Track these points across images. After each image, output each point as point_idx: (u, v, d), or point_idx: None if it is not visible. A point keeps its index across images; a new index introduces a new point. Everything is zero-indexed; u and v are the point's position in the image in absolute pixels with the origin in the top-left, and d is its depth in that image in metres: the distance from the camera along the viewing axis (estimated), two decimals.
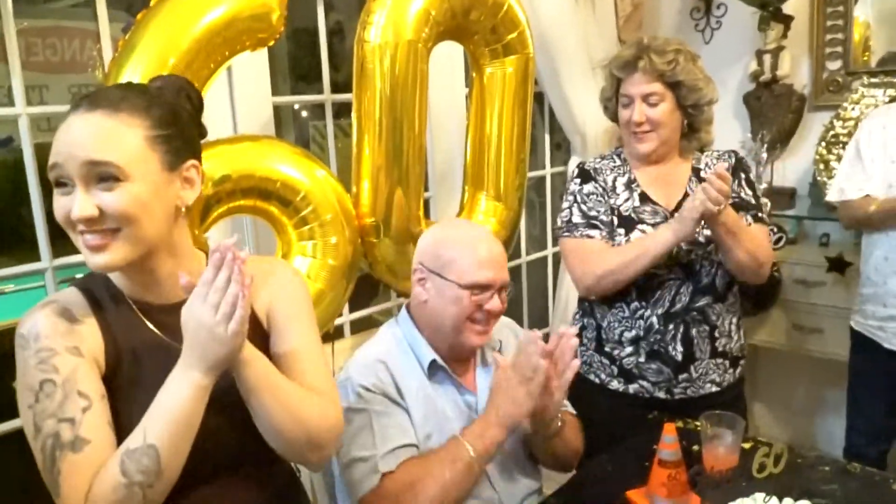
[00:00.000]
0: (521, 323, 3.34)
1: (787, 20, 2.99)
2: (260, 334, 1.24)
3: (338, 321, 2.47)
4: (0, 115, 2.03)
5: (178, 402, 1.04)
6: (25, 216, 1.89)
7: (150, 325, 1.16)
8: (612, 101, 2.02)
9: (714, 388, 1.98)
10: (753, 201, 1.99)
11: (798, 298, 2.86)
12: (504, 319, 1.73)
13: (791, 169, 3.16)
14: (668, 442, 1.48)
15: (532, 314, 3.38)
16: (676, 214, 1.86)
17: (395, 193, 2.02)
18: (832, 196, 2.39)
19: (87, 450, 1.03)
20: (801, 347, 2.90)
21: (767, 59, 3.04)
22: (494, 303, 1.59)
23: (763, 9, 2.95)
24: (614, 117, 2.04)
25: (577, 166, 2.08)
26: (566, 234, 2.01)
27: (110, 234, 1.06)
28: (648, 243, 1.86)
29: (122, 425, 1.08)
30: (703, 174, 1.98)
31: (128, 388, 1.10)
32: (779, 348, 2.98)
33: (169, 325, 1.15)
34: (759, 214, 1.98)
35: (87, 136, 1.04)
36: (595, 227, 1.96)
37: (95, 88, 1.16)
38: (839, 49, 3.01)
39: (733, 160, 2.03)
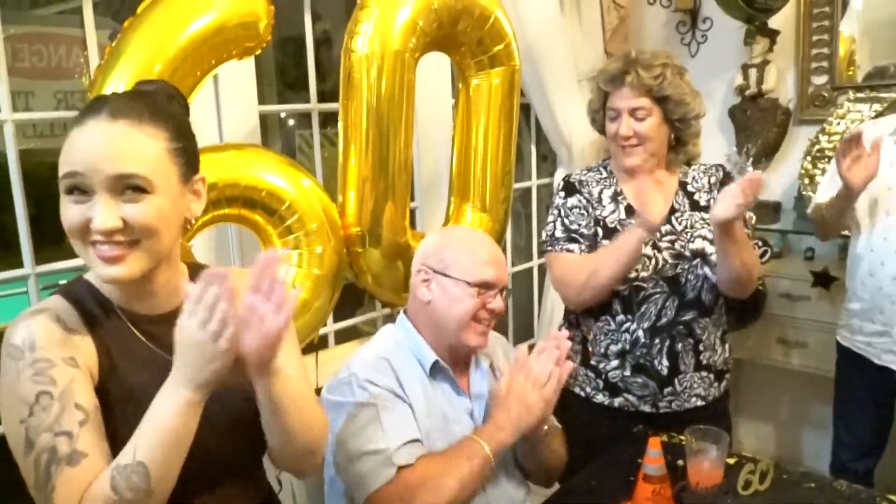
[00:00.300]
0: (506, 334, 3.34)
1: (772, 34, 3.00)
2: None
3: (322, 330, 2.46)
4: None
5: (168, 419, 1.01)
6: (8, 222, 1.87)
7: (141, 337, 1.14)
8: (600, 114, 2.02)
9: (699, 402, 1.98)
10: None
11: (783, 312, 2.87)
12: (492, 333, 1.74)
13: (776, 183, 3.17)
14: (653, 456, 1.48)
15: (517, 326, 3.38)
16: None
17: (381, 203, 2.02)
18: (810, 210, 2.41)
19: (84, 463, 1.00)
20: (785, 361, 2.91)
21: (753, 72, 3.06)
22: (497, 302, 1.63)
23: (749, 23, 2.96)
24: (602, 130, 2.04)
25: (563, 179, 2.08)
26: (549, 248, 2.02)
27: (127, 245, 1.05)
28: (617, 240, 1.87)
29: (114, 438, 1.05)
30: (689, 188, 1.99)
31: (120, 401, 1.08)
32: (763, 362, 2.99)
33: (158, 336, 1.14)
34: (745, 229, 1.99)
35: (114, 147, 1.03)
36: (575, 240, 1.97)
37: (105, 95, 1.14)
38: (825, 64, 3.03)
39: (721, 174, 2.03)
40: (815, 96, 3.07)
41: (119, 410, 1.07)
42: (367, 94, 1.94)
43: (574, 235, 1.97)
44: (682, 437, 1.65)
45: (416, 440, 1.52)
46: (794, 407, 3.29)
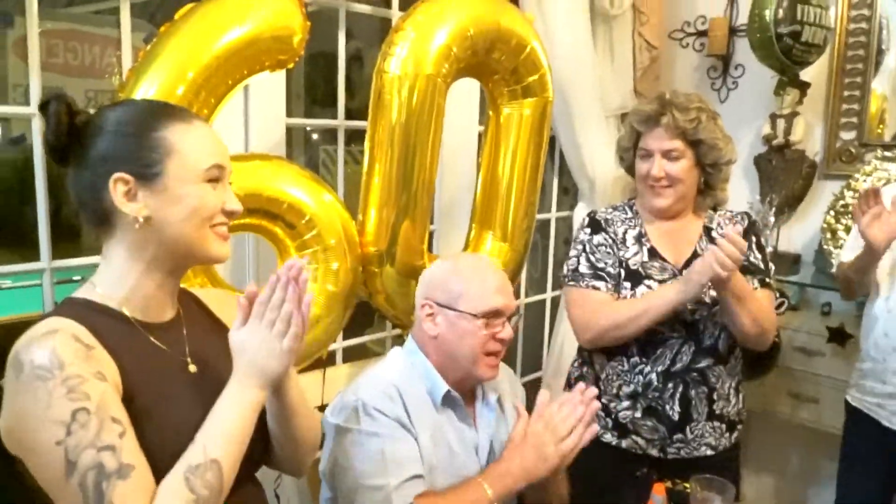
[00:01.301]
0: (514, 366, 3.32)
1: (803, 86, 3.00)
2: None
3: (330, 347, 2.45)
4: (15, 113, 2.04)
5: (236, 419, 1.08)
6: (28, 216, 1.88)
7: (157, 343, 1.15)
8: (630, 153, 2.01)
9: (708, 451, 1.95)
10: (762, 265, 1.98)
11: (797, 366, 2.84)
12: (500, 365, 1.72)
13: (797, 235, 3.15)
14: (657, 502, 1.46)
15: (526, 357, 3.36)
16: (684, 273, 1.85)
17: (400, 224, 2.01)
18: (835, 269, 2.39)
19: (134, 475, 0.98)
20: (796, 416, 2.87)
21: (781, 123, 3.05)
22: (507, 331, 1.61)
23: (782, 74, 2.96)
24: (630, 169, 2.03)
25: (588, 215, 2.07)
26: (571, 282, 1.99)
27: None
28: (653, 300, 1.85)
29: (143, 447, 1.04)
30: (714, 233, 1.97)
31: (145, 410, 1.07)
32: (774, 415, 2.95)
33: (169, 341, 1.17)
34: (767, 280, 1.97)
35: (222, 145, 1.19)
36: (602, 278, 1.95)
37: (164, 104, 1.20)
38: (854, 119, 3.01)
39: (746, 222, 2.01)
40: (843, 151, 3.05)
41: (144, 420, 1.06)
42: (395, 115, 1.95)
43: (601, 273, 1.95)
44: (687, 485, 1.62)
45: (418, 476, 1.48)
46: (801, 462, 3.24)
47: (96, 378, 1.00)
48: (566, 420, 1.49)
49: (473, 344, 1.56)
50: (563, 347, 3.15)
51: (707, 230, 1.99)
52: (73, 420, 0.96)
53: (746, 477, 3.26)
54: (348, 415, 1.51)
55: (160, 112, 1.14)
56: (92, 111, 1.17)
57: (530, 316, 3.39)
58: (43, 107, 1.09)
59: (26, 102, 1.83)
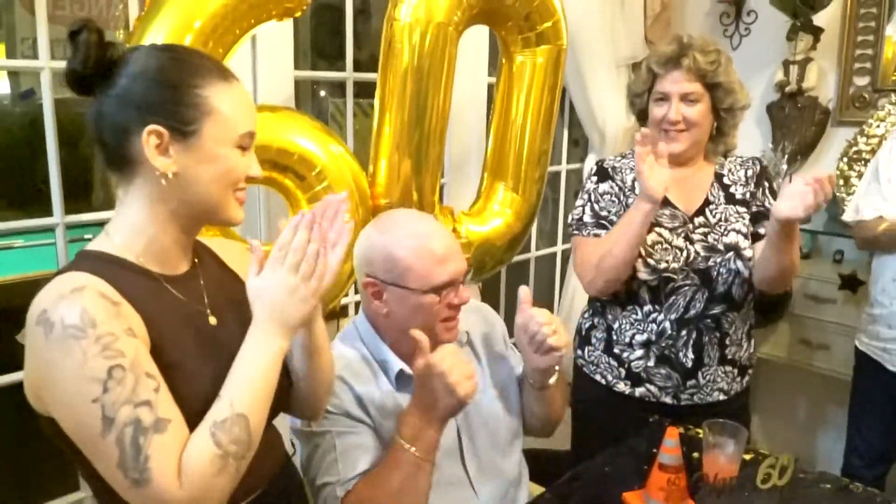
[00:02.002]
0: None
1: (817, 32, 2.95)
2: None
3: (345, 300, 2.46)
4: (24, 66, 2.02)
5: (261, 370, 1.07)
6: (40, 171, 1.88)
7: (178, 294, 1.14)
8: (643, 98, 1.97)
9: (721, 396, 1.96)
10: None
11: (807, 313, 2.84)
12: (471, 303, 1.62)
13: None
14: (670, 446, 1.46)
15: None
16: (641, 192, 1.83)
17: (412, 176, 2.00)
18: (848, 215, 2.37)
19: (171, 429, 0.98)
20: (806, 363, 2.89)
21: (794, 69, 3.01)
22: (461, 295, 1.50)
23: (795, 18, 2.91)
24: (642, 114, 2.00)
25: (596, 164, 2.05)
26: (575, 231, 2.00)
27: None
28: (625, 218, 1.85)
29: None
30: (724, 180, 1.96)
31: (172, 363, 1.06)
32: (783, 362, 2.96)
33: (187, 294, 1.16)
34: None
35: (255, 110, 1.17)
36: (604, 227, 1.95)
37: (208, 58, 1.16)
38: (868, 65, 2.97)
39: (758, 167, 2.00)
40: (856, 97, 3.01)
41: (172, 372, 1.05)
42: (406, 64, 1.92)
43: (603, 221, 1.95)
44: (699, 430, 1.63)
45: (372, 468, 1.43)
46: (812, 409, 3.27)
47: (127, 335, 0.99)
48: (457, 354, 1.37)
49: (428, 318, 1.46)
50: (573, 299, 3.16)
51: (718, 177, 1.98)
52: (110, 377, 0.96)
53: (757, 424, 3.30)
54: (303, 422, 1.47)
55: (203, 67, 1.10)
56: (127, 46, 1.14)
57: (541, 269, 3.39)
58: (73, 34, 1.05)
59: (34, 56, 1.81)
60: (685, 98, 1.87)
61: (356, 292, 2.51)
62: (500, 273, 3.11)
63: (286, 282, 1.07)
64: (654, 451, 1.50)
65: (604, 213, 1.96)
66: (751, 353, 2.03)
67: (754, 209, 1.93)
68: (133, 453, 0.95)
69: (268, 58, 2.12)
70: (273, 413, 1.24)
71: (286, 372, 1.24)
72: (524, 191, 2.28)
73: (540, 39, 2.17)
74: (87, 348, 0.96)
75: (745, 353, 2.00)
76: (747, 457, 1.63)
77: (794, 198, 1.64)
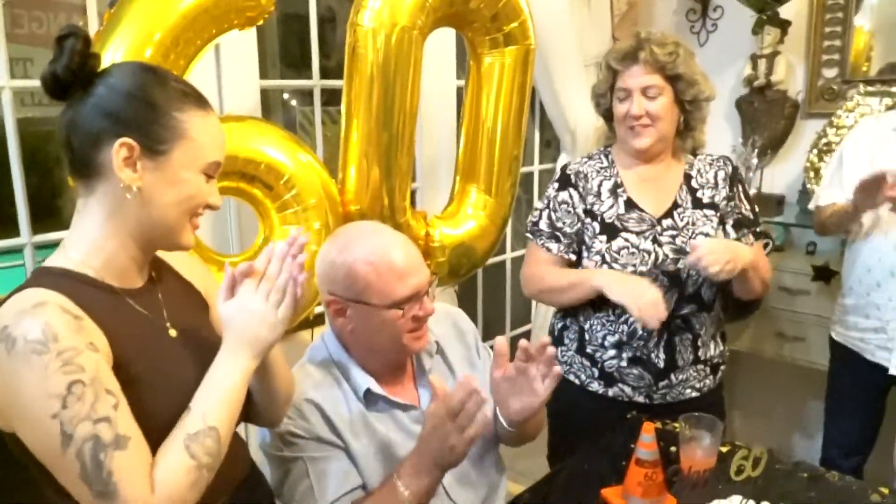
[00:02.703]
0: (503, 320, 3.33)
1: (784, 25, 2.97)
2: (205, 305, 1.33)
3: (320, 308, 2.45)
4: None
5: (230, 386, 1.11)
6: (6, 193, 1.85)
7: (138, 308, 1.15)
8: (606, 98, 1.97)
9: (694, 394, 1.97)
10: (752, 216, 1.98)
11: (782, 306, 2.86)
12: (439, 307, 1.59)
13: (780, 175, 3.15)
14: (646, 441, 1.47)
15: (514, 311, 3.37)
16: (622, 275, 1.85)
17: (381, 182, 1.99)
18: (811, 204, 2.39)
19: (132, 445, 0.99)
20: (782, 356, 2.90)
21: (762, 63, 3.04)
22: (426, 306, 1.47)
23: (761, 12, 2.93)
24: (607, 114, 2.00)
25: (561, 169, 2.04)
26: (529, 235, 2.02)
27: None
28: (582, 280, 1.89)
29: (138, 413, 1.04)
30: (693, 182, 1.96)
31: (136, 376, 1.07)
32: (760, 355, 2.98)
33: (147, 307, 1.16)
34: (759, 230, 1.98)
35: (224, 142, 1.19)
36: (557, 238, 1.96)
37: (188, 85, 1.17)
38: (836, 56, 3.00)
39: (730, 168, 2.00)
40: (825, 89, 3.04)
41: (137, 386, 1.06)
42: (371, 70, 1.91)
43: (557, 233, 1.96)
44: (677, 425, 1.64)
45: (350, 491, 1.41)
46: (789, 401, 3.28)
47: (89, 349, 1.00)
48: (469, 411, 1.30)
49: (393, 332, 1.45)
50: None
51: (687, 177, 1.97)
52: (69, 393, 0.96)
53: (734, 418, 3.31)
54: (272, 440, 1.44)
55: (183, 93, 1.13)
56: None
57: (517, 270, 3.38)
58: (60, 38, 1.07)
59: None
60: (646, 92, 1.86)
61: None
62: (476, 275, 3.11)
63: (258, 307, 1.13)
64: (632, 446, 1.50)
65: (559, 224, 1.96)
66: (722, 350, 2.03)
67: (735, 217, 1.95)
68: (95, 468, 0.96)
69: (232, 67, 2.10)
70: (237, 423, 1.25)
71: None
72: (497, 193, 2.28)
73: (508, 40, 2.17)
74: (48, 363, 0.96)
75: (717, 351, 2.00)
76: (724, 449, 1.63)
77: (715, 261, 1.72)
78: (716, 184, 1.97)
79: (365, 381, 1.48)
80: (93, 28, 1.84)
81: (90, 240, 1.11)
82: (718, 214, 1.93)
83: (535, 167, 3.32)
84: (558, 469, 1.70)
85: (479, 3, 2.06)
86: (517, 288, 3.42)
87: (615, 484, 1.52)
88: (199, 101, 1.14)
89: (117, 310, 1.11)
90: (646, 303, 1.74)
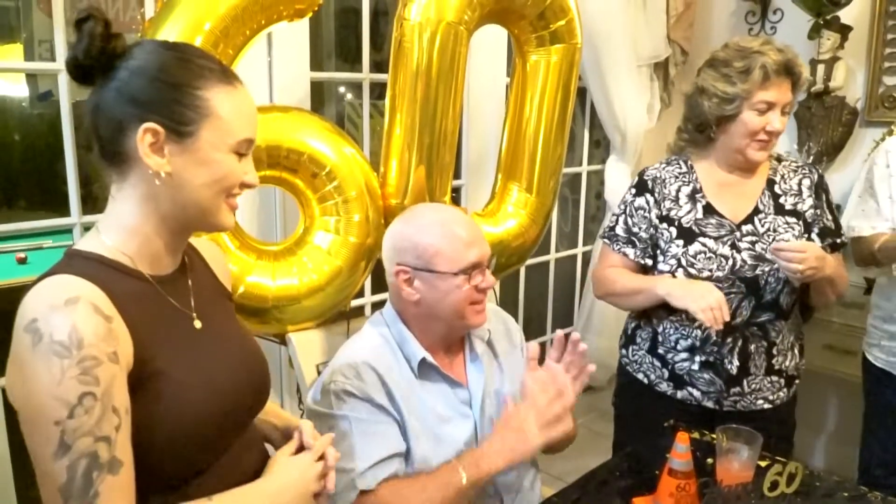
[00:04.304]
0: (544, 322, 3.31)
1: (844, 30, 2.89)
2: (228, 295, 1.33)
3: (359, 301, 2.46)
4: (42, 69, 2.06)
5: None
6: (61, 172, 1.90)
7: (168, 297, 1.13)
8: (735, 104, 1.82)
9: (766, 405, 1.93)
10: (833, 226, 1.93)
11: (833, 318, 2.78)
12: (489, 306, 1.66)
13: (837, 184, 3.04)
14: (680, 451, 1.44)
15: (557, 311, 3.34)
16: (685, 282, 1.83)
17: (422, 176, 1.99)
18: (845, 236, 2.23)
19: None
20: (832, 369, 2.82)
21: (821, 69, 2.96)
22: (488, 279, 1.55)
23: (818, 16, 2.85)
24: (711, 121, 1.86)
25: (638, 174, 2.02)
26: (606, 240, 2.01)
27: None
28: (648, 287, 1.87)
29: (150, 416, 1.03)
30: (776, 188, 1.91)
31: (158, 371, 1.05)
32: (808, 367, 2.89)
33: (175, 295, 1.14)
34: (838, 241, 1.92)
35: (256, 116, 1.16)
36: (633, 244, 1.95)
37: (212, 60, 1.13)
38: None
39: (815, 176, 1.95)
40: (886, 97, 2.95)
41: (160, 380, 1.04)
42: (416, 64, 1.91)
43: (634, 238, 1.95)
44: (714, 436, 1.60)
45: (390, 457, 1.45)
46: (837, 416, 3.19)
47: (110, 360, 0.97)
48: (552, 405, 1.41)
49: (458, 300, 1.51)
50: (594, 302, 3.13)
51: (770, 183, 1.92)
52: (79, 403, 0.94)
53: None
54: (324, 399, 1.49)
55: (206, 68, 1.08)
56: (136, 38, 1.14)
57: (561, 270, 3.36)
58: (79, 21, 1.03)
59: (52, 58, 1.84)
60: (783, 108, 1.81)
61: (372, 293, 2.52)
62: (519, 275, 3.10)
63: (307, 471, 1.18)
64: (666, 456, 1.47)
65: (635, 230, 1.95)
66: (798, 362, 1.98)
67: (820, 226, 1.90)
68: (83, 485, 0.94)
69: (284, 59, 2.13)
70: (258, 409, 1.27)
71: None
72: (538, 192, 2.26)
73: (554, 38, 2.15)
74: (66, 368, 0.94)
75: (793, 363, 1.95)
76: (763, 464, 1.59)
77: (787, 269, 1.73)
78: (800, 191, 1.92)
79: (421, 351, 1.54)
80: (149, 14, 1.88)
81: (125, 225, 1.09)
82: (801, 222, 1.89)
83: (584, 168, 3.29)
84: (590, 474, 1.68)
85: (526, 0, 2.04)
86: (560, 289, 3.42)
87: (647, 493, 1.50)
88: (225, 75, 1.10)
89: (147, 301, 1.09)
90: (707, 304, 1.71)
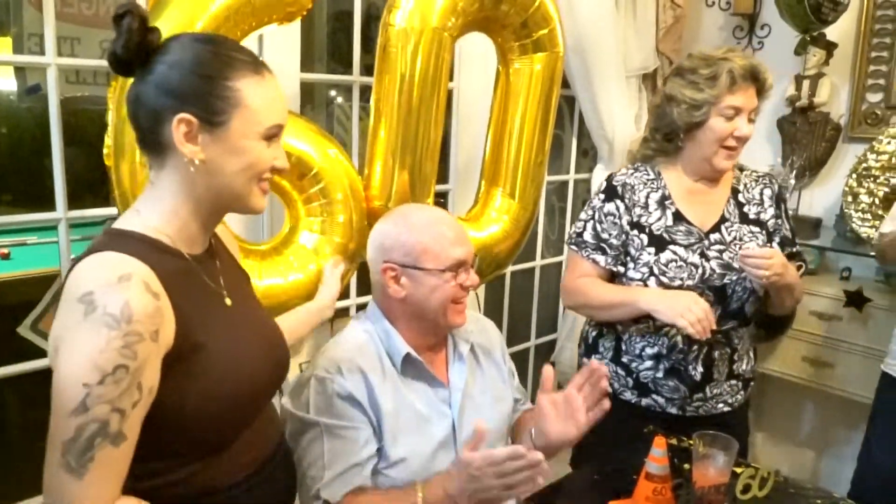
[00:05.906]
0: (528, 329, 3.32)
1: (830, 46, 2.93)
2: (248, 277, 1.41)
3: (345, 303, 2.47)
4: (31, 62, 2.06)
5: None
6: (48, 167, 1.90)
7: (205, 278, 1.20)
8: (703, 110, 1.84)
9: (725, 408, 1.96)
10: (790, 235, 1.97)
11: (812, 330, 2.80)
12: (472, 314, 1.70)
13: (819, 198, 3.10)
14: (657, 456, 1.46)
15: (541, 318, 3.36)
16: (667, 294, 1.83)
17: (405, 179, 2.00)
18: (876, 239, 2.22)
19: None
20: (810, 380, 2.84)
21: (806, 84, 2.99)
22: (472, 277, 1.59)
23: (805, 32, 2.89)
24: (683, 126, 1.88)
25: (606, 179, 2.02)
26: (574, 246, 2.00)
27: None
28: (630, 301, 1.86)
29: (184, 392, 1.09)
30: (740, 197, 1.95)
31: (198, 344, 1.11)
32: (787, 379, 2.93)
33: (208, 273, 1.21)
34: (794, 251, 1.96)
35: (285, 101, 1.21)
36: (603, 251, 1.95)
37: (243, 51, 1.18)
38: (882, 81, 2.94)
39: (776, 187, 1.98)
40: (868, 114, 2.99)
41: (199, 353, 1.11)
42: (400, 69, 1.92)
43: (603, 245, 1.95)
44: (692, 442, 1.62)
45: (357, 466, 1.45)
46: (816, 427, 3.22)
47: (151, 338, 1.03)
48: (518, 476, 1.30)
49: (443, 297, 1.55)
50: None
51: (735, 192, 1.96)
52: (112, 373, 0.99)
53: (757, 440, 3.26)
54: (302, 392, 1.51)
55: (237, 60, 1.14)
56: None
57: (546, 278, 3.38)
58: (117, 17, 1.10)
59: (41, 52, 1.84)
60: (749, 115, 1.84)
61: (357, 295, 2.52)
62: (504, 280, 3.11)
63: None
64: (643, 460, 1.49)
65: (604, 236, 1.95)
66: (753, 365, 2.02)
67: (781, 235, 1.94)
68: (84, 447, 0.98)
69: (274, 60, 2.12)
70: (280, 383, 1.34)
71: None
72: (521, 198, 2.27)
73: (537, 46, 2.16)
74: (112, 339, 0.99)
75: (749, 365, 2.00)
76: (738, 469, 1.61)
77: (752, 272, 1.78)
78: (761, 201, 1.96)
79: (405, 347, 1.57)
80: None
81: (164, 208, 1.16)
82: (764, 231, 1.93)
83: (571, 176, 3.31)
84: (567, 478, 1.69)
85: (509, 9, 2.06)
86: (545, 296, 3.44)
87: (624, 497, 1.51)
88: (255, 66, 1.16)
89: (187, 278, 1.15)
90: (696, 317, 1.73)
